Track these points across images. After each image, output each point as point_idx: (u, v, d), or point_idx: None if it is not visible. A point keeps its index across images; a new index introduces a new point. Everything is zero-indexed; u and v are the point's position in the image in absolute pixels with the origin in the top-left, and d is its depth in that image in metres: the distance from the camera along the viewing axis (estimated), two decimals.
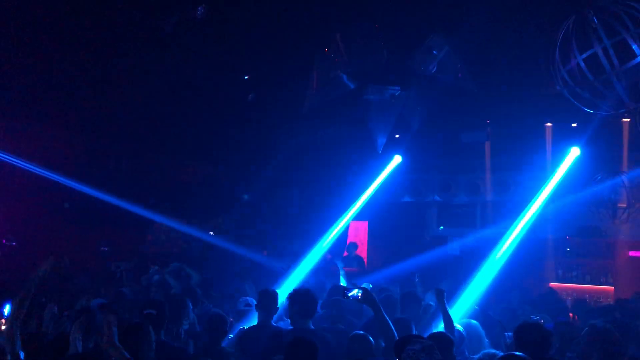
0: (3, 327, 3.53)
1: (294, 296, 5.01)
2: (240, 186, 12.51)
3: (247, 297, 6.53)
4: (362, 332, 4.59)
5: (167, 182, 11.97)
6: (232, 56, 8.27)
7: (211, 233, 13.17)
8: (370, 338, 4.45)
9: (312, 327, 5.04)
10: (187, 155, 11.69)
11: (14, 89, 8.39)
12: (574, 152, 9.11)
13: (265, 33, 7.62)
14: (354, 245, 12.45)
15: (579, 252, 10.74)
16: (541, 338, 4.24)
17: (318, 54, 8.02)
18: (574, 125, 9.59)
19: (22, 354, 3.53)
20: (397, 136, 10.58)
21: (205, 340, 5.04)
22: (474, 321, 5.54)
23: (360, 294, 4.56)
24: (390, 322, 4.63)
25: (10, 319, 3.55)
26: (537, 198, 9.26)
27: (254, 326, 5.32)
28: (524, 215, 9.26)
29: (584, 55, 5.23)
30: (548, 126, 10.16)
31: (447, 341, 4.25)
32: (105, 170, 10.70)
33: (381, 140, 9.63)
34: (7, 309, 3.68)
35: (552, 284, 10.62)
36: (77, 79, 8.49)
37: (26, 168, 9.27)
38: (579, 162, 9.27)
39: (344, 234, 13.45)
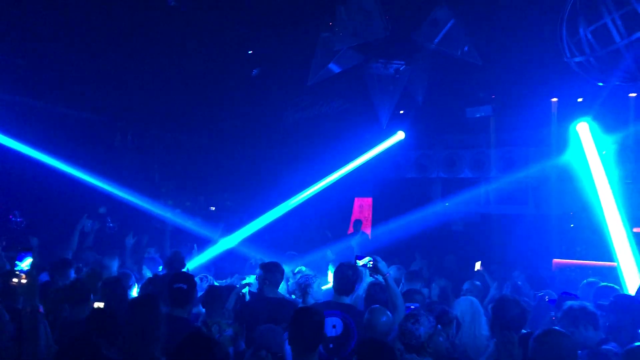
0: (23, 281, 3.61)
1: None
2: (244, 161, 12.51)
3: None
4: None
5: (172, 157, 11.98)
6: (236, 30, 8.22)
7: (212, 208, 13.23)
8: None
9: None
10: (191, 130, 11.68)
11: (13, 65, 8.34)
12: (582, 127, 9.02)
13: (269, 6, 7.55)
14: (359, 222, 12.51)
15: (583, 227, 10.72)
16: (519, 314, 4.31)
17: (322, 28, 7.94)
18: (580, 100, 9.51)
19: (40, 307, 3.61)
20: (401, 112, 10.53)
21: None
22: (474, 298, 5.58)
23: (371, 263, 4.61)
24: (399, 293, 4.68)
25: (30, 273, 3.63)
26: None
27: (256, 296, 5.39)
28: None
29: (593, 27, 5.17)
30: (554, 101, 10.08)
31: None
32: (111, 144, 10.71)
33: (385, 116, 9.57)
34: (25, 264, 3.75)
35: (555, 260, 10.67)
36: (78, 52, 8.43)
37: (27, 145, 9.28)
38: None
39: (348, 211, 13.51)
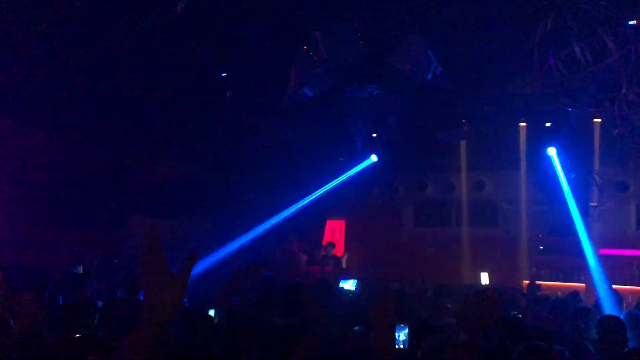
0: None
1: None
2: (217, 184, 12.42)
3: None
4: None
5: (142, 180, 11.82)
6: (210, 53, 8.22)
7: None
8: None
9: None
10: (163, 153, 11.56)
11: None
12: (549, 151, 9.28)
13: (244, 30, 7.60)
14: (331, 245, 12.50)
15: (552, 250, 10.92)
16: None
17: (297, 52, 8.01)
18: (547, 125, 9.76)
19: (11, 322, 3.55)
20: (374, 135, 10.64)
21: None
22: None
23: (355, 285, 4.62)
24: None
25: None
26: None
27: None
28: None
29: (562, 54, 5.35)
30: (522, 126, 10.31)
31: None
32: (79, 167, 10.51)
33: (360, 140, 9.66)
34: None
35: (525, 282, 10.80)
36: (45, 71, 8.30)
37: None
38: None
39: (320, 232, 13.48)
